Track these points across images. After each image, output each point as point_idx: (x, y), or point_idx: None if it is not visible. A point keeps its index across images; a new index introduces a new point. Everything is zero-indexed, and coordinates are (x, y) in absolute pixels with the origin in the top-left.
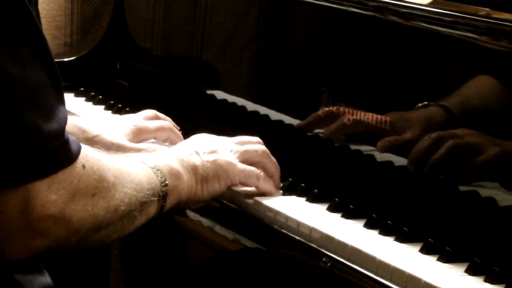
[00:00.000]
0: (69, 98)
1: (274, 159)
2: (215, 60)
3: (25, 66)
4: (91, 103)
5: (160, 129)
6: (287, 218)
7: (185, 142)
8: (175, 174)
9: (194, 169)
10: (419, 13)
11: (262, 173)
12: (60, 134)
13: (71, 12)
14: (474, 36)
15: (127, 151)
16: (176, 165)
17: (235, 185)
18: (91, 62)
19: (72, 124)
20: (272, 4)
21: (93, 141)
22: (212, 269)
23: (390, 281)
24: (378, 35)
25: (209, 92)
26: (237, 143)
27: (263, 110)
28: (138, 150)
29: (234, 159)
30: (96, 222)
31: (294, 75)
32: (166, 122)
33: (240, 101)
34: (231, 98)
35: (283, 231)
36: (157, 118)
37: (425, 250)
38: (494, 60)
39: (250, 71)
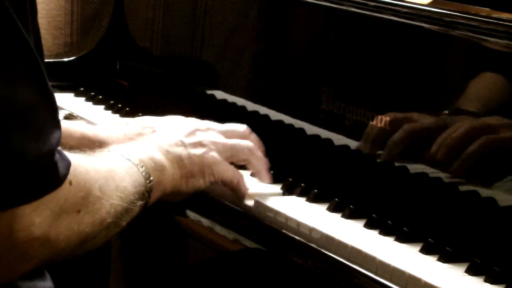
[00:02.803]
0: (69, 98)
1: (260, 154)
2: (215, 60)
3: (14, 85)
4: (91, 103)
5: None
6: (287, 218)
7: (169, 129)
8: (160, 168)
9: (179, 162)
10: (419, 13)
11: (240, 179)
12: (48, 156)
13: (71, 12)
14: (474, 36)
15: None
16: (161, 157)
17: (217, 183)
18: (91, 62)
19: (90, 141)
20: (272, 4)
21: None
22: (212, 270)
23: (390, 281)
24: (378, 35)
25: (209, 92)
26: (223, 133)
27: (263, 110)
28: None
29: (220, 156)
30: (82, 238)
31: (294, 75)
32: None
33: (240, 101)
34: (231, 98)
35: (283, 231)
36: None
37: (425, 250)
38: (494, 60)
39: (250, 71)
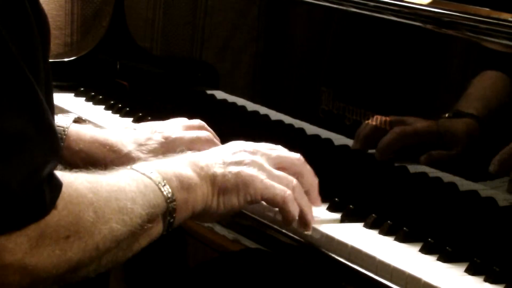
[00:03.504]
0: (69, 98)
1: (305, 198)
2: (215, 60)
3: (2, 114)
4: (91, 103)
5: (195, 141)
6: None
7: (215, 149)
8: (187, 187)
9: (212, 179)
10: (419, 13)
11: (290, 195)
12: (34, 186)
13: (71, 12)
14: (474, 36)
15: None
16: (191, 175)
17: (257, 202)
18: (91, 62)
19: (101, 144)
20: (272, 4)
21: (120, 162)
22: (212, 270)
23: (390, 281)
24: (378, 35)
25: (209, 92)
26: (272, 159)
27: (263, 110)
28: None
29: (260, 174)
30: (72, 265)
31: (294, 75)
32: (204, 132)
33: (240, 101)
34: (231, 98)
35: (283, 230)
36: (201, 129)
37: (425, 250)
38: (494, 60)
39: (250, 71)
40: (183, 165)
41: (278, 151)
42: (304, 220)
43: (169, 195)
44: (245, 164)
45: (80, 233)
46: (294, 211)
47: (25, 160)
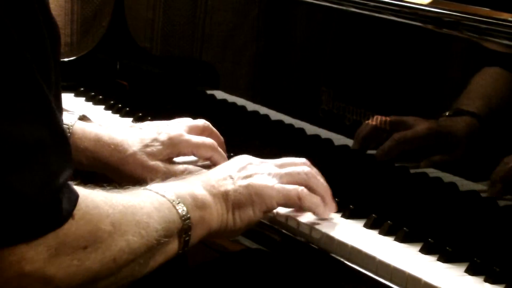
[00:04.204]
0: (69, 98)
1: (322, 180)
2: (215, 60)
3: (19, 123)
4: (91, 103)
5: (201, 146)
6: (287, 217)
7: (222, 165)
8: (201, 205)
9: (224, 196)
10: (419, 13)
11: (303, 190)
12: (51, 195)
13: (71, 12)
14: (474, 36)
15: (159, 175)
16: (203, 194)
17: (273, 209)
18: (91, 62)
19: (106, 143)
20: (272, 4)
21: (125, 161)
22: (212, 270)
23: (390, 281)
24: (378, 35)
25: (209, 92)
26: (278, 166)
27: (263, 110)
28: (171, 174)
29: (269, 181)
30: (90, 276)
31: (294, 75)
32: (208, 139)
33: (240, 101)
34: (231, 98)
35: (283, 231)
36: (206, 130)
37: (425, 250)
38: (494, 60)
39: (250, 71)
40: (196, 185)
41: (283, 159)
42: (325, 205)
43: (184, 213)
44: (253, 176)
45: (97, 244)
46: (315, 201)
47: (41, 168)
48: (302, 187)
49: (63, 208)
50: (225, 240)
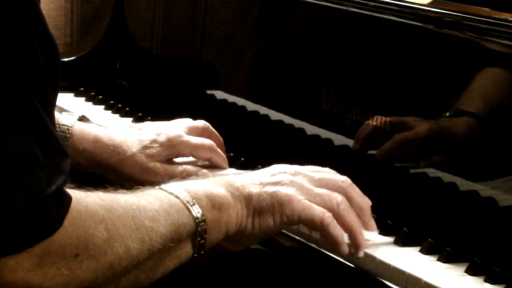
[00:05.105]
0: (69, 98)
1: (352, 214)
2: (215, 60)
3: (5, 135)
4: (91, 103)
5: (200, 147)
6: None
7: (257, 171)
8: (218, 206)
9: (247, 199)
10: (419, 13)
11: (329, 217)
12: (40, 204)
13: (71, 12)
14: (474, 36)
15: (158, 176)
16: (223, 193)
17: (294, 223)
18: (91, 62)
19: (105, 144)
20: (272, 4)
21: (124, 163)
22: (213, 270)
23: (390, 281)
24: (378, 35)
25: (209, 92)
26: (314, 181)
27: (263, 110)
28: (170, 175)
29: (298, 194)
30: (83, 285)
31: (294, 75)
32: (207, 140)
33: (240, 101)
34: (231, 98)
35: (283, 231)
36: (206, 131)
37: (425, 250)
38: (494, 60)
39: (250, 71)
40: (216, 185)
41: (322, 173)
42: (353, 241)
43: (198, 215)
44: (283, 184)
45: (90, 251)
46: (337, 233)
47: (28, 180)
48: (329, 214)
49: (52, 217)
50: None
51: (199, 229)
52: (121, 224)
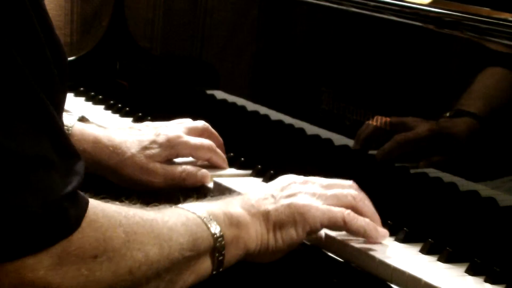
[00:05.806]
0: (69, 98)
1: (370, 205)
2: (215, 60)
3: (20, 138)
4: (91, 103)
5: (199, 148)
6: None
7: (266, 185)
8: (236, 223)
9: (265, 215)
10: (419, 13)
11: (350, 213)
12: (56, 205)
13: (71, 12)
14: (474, 36)
15: (158, 177)
16: (240, 212)
17: (317, 231)
18: (91, 62)
19: (105, 145)
20: (272, 4)
21: (124, 164)
22: None
23: (390, 281)
24: (378, 35)
25: (209, 92)
26: (324, 186)
27: (263, 110)
28: (169, 176)
29: (314, 201)
30: (102, 286)
31: (294, 75)
32: (207, 141)
33: (240, 101)
34: (231, 98)
35: None
36: (205, 132)
37: (425, 250)
38: (494, 60)
39: (250, 71)
40: (232, 204)
41: (328, 179)
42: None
43: (216, 231)
44: (297, 195)
45: (109, 253)
46: (362, 225)
47: (43, 181)
48: (349, 210)
49: (70, 217)
50: None
51: (217, 244)
52: (139, 230)
